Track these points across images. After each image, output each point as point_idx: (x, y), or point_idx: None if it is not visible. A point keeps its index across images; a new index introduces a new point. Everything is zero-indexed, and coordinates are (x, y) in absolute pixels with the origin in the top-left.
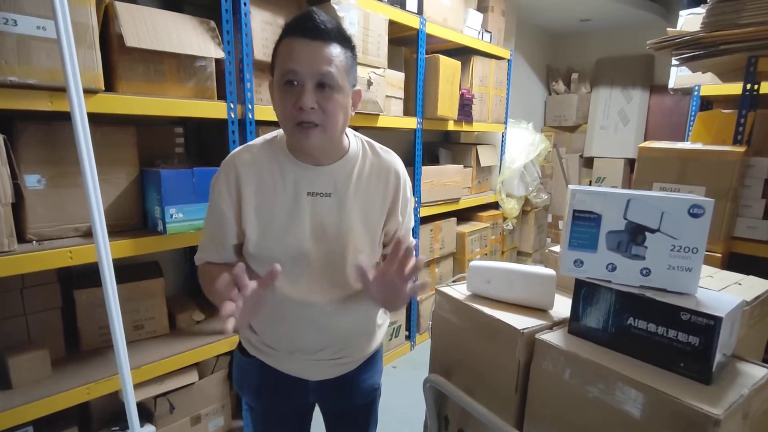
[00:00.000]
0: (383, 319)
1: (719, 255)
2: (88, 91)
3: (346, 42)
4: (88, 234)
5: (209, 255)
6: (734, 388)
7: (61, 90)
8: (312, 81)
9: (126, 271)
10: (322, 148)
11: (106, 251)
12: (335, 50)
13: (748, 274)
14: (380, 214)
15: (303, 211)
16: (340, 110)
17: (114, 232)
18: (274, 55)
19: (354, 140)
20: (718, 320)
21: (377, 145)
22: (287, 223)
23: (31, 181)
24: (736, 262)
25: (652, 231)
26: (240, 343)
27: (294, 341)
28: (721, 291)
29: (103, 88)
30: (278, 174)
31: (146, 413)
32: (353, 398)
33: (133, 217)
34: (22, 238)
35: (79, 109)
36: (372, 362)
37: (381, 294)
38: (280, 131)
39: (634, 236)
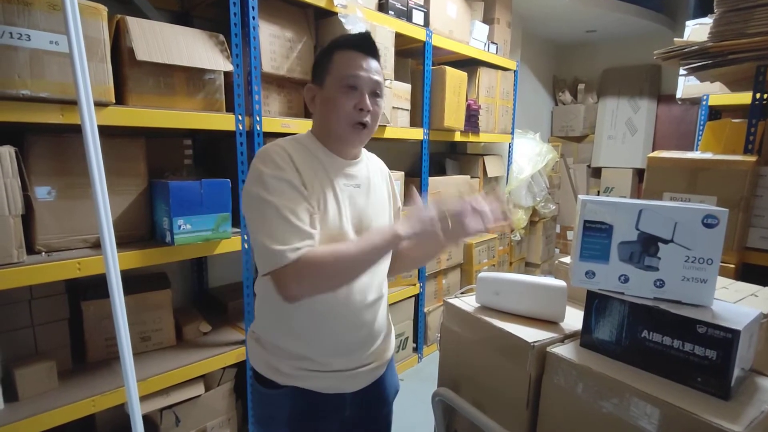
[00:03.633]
0: (390, 321)
1: (732, 266)
2: (99, 104)
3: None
4: (97, 245)
5: (306, 237)
6: (754, 404)
7: (73, 103)
8: (368, 88)
9: (133, 282)
10: (361, 146)
11: (114, 263)
12: (379, 67)
13: (762, 285)
14: (389, 205)
15: (344, 196)
16: (380, 116)
17: (122, 243)
18: (327, 63)
19: None
20: (736, 333)
21: None
22: (334, 205)
23: (42, 192)
24: (749, 273)
25: (665, 242)
26: (259, 377)
27: (334, 344)
28: (737, 303)
29: (114, 101)
30: (317, 161)
31: (152, 426)
32: (384, 401)
33: (142, 229)
34: (30, 249)
35: (90, 121)
36: (391, 365)
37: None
38: (296, 135)
39: (646, 247)
